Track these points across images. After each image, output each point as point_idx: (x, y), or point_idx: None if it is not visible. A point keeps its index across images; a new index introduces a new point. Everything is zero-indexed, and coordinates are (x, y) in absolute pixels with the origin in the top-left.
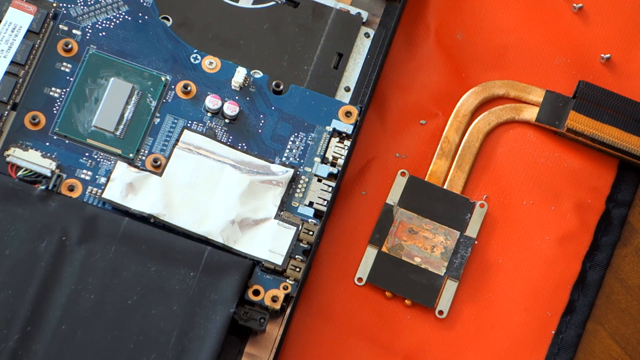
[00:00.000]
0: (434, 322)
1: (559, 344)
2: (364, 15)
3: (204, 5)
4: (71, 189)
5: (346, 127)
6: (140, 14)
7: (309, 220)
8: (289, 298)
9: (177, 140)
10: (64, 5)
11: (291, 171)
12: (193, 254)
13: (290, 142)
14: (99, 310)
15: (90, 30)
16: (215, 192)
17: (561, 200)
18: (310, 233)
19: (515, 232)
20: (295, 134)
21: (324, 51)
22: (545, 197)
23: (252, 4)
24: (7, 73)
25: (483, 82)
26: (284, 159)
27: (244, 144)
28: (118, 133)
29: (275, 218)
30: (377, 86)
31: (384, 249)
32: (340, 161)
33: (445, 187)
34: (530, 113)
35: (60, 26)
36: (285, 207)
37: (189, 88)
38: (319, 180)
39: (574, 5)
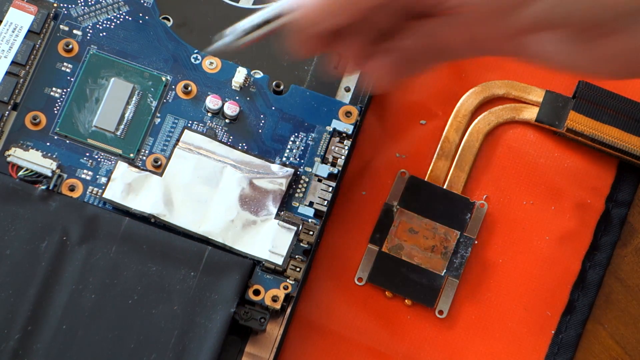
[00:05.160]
0: (434, 322)
1: (559, 343)
2: None
3: (204, 5)
4: (72, 189)
5: (346, 127)
6: (140, 14)
7: (309, 220)
8: (289, 298)
9: (178, 140)
10: (65, 5)
11: (291, 171)
12: (193, 253)
13: (290, 142)
14: (100, 310)
15: (90, 31)
16: (215, 192)
17: (561, 200)
18: (310, 233)
19: (515, 232)
20: (296, 134)
21: None
22: (545, 197)
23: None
24: (7, 73)
25: (483, 82)
26: (284, 159)
27: (244, 144)
28: (119, 133)
29: (275, 218)
30: None
31: (384, 249)
32: (340, 161)
33: (445, 187)
34: (530, 113)
35: (61, 26)
36: (285, 207)
37: (189, 88)
38: (319, 180)
39: None
